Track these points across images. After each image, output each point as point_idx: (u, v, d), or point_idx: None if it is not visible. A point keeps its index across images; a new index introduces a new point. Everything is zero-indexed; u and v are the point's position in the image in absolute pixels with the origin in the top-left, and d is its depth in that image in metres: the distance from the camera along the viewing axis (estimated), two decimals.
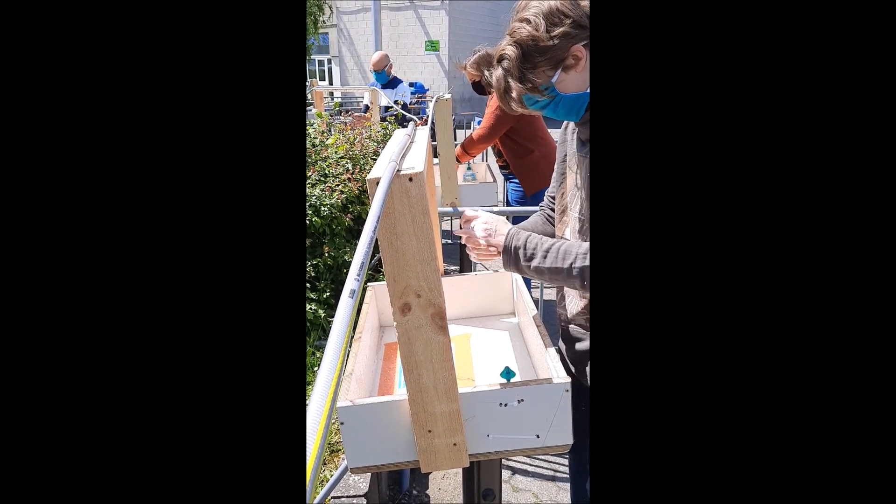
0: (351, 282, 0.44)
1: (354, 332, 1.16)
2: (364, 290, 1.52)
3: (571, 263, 0.98)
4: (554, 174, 1.27)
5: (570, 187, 1.15)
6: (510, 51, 0.98)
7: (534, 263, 1.02)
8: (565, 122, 1.20)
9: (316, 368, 2.66)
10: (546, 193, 1.31)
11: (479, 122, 4.62)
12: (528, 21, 0.96)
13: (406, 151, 0.86)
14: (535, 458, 2.15)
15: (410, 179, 0.72)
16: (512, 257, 1.06)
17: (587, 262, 0.97)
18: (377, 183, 0.68)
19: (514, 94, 1.00)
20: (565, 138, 1.20)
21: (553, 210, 1.27)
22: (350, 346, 0.33)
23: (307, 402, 0.32)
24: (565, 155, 1.19)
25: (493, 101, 2.71)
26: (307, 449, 0.29)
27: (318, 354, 2.77)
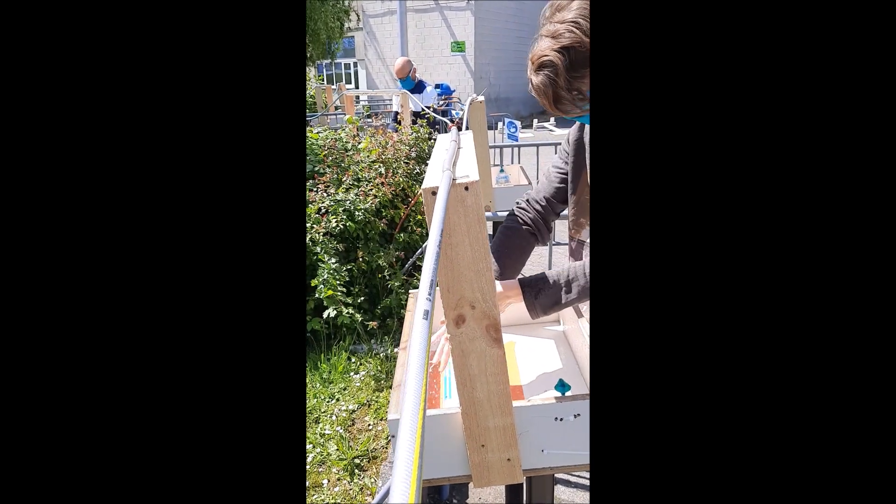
0: (423, 302, 0.41)
1: (399, 342, 1.14)
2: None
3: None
4: (562, 176, 1.25)
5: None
6: (555, 57, 0.91)
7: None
8: (578, 125, 1.19)
9: (350, 374, 2.65)
10: (534, 196, 1.30)
11: (508, 124, 4.57)
12: (575, 24, 0.89)
13: (456, 158, 0.83)
14: None
15: (466, 188, 0.70)
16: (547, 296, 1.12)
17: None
18: (433, 193, 0.66)
19: (565, 103, 0.95)
20: (580, 136, 1.18)
21: (541, 212, 1.28)
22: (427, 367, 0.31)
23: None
24: (583, 157, 1.17)
25: None
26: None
27: (352, 359, 2.77)
